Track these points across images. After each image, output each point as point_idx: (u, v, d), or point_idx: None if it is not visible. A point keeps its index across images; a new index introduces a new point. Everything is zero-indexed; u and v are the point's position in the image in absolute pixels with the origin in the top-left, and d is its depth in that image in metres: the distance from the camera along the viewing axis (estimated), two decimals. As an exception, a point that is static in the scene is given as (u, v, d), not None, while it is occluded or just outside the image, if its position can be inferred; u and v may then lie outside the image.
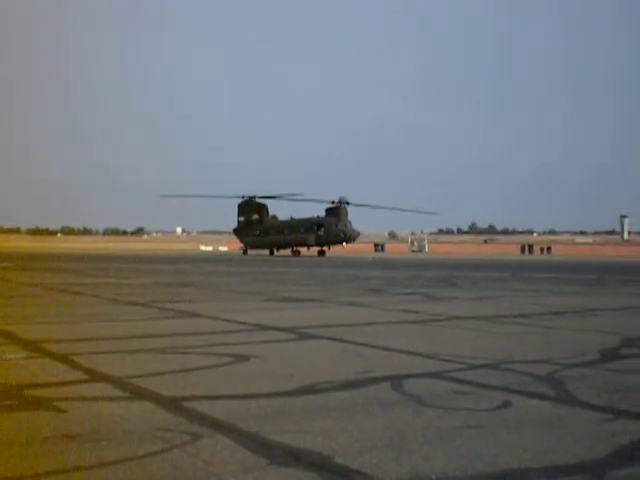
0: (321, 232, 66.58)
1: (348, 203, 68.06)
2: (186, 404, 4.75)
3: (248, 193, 73.99)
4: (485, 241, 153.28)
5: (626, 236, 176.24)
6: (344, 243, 67.03)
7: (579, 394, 5.18)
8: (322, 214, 68.71)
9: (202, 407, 4.65)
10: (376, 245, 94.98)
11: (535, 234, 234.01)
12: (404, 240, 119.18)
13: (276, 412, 4.55)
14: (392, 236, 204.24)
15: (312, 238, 66.88)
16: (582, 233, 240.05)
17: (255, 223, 72.61)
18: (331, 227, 66.07)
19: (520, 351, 7.26)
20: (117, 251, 73.62)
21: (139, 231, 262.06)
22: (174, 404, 4.75)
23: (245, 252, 72.53)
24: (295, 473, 3.43)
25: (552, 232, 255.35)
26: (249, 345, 7.51)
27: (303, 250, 68.49)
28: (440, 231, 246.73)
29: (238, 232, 75.38)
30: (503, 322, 10.02)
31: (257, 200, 73.93)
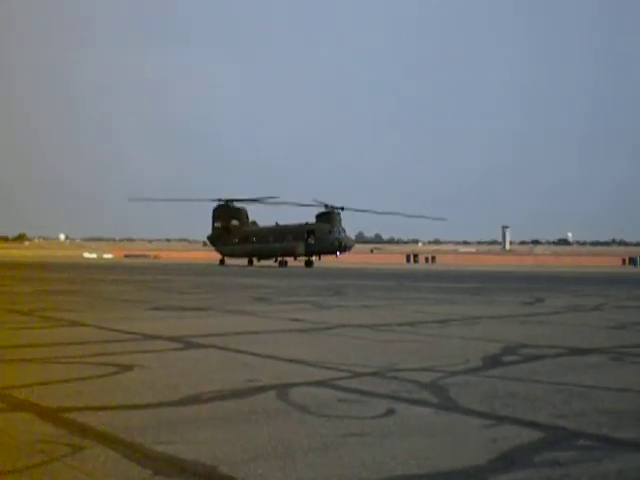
0: (312, 240, 60.50)
1: (342, 209, 62.40)
2: (67, 415, 4.63)
3: (224, 197, 68.12)
4: (372, 250, 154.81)
5: (507, 246, 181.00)
6: (338, 253, 61.22)
7: (462, 401, 5.26)
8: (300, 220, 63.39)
9: (84, 418, 4.54)
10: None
11: (420, 244, 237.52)
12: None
13: (160, 422, 4.48)
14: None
15: (301, 247, 60.78)
16: (465, 243, 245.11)
17: (233, 230, 66.33)
18: (324, 235, 60.17)
19: (405, 359, 7.34)
20: (-3, 258, 71.60)
21: (20, 237, 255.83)
22: (55, 415, 4.63)
23: (222, 262, 65.88)
24: (179, 484, 3.39)
25: (437, 242, 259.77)
26: (133, 354, 7.39)
27: (289, 260, 62.15)
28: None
29: (213, 240, 68.78)
30: (388, 330, 10.13)
31: (235, 204, 67.91)
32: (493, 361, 7.29)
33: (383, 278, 34.65)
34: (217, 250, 68.63)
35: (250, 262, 64.85)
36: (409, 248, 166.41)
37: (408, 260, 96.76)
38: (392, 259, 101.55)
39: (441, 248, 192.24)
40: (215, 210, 68.65)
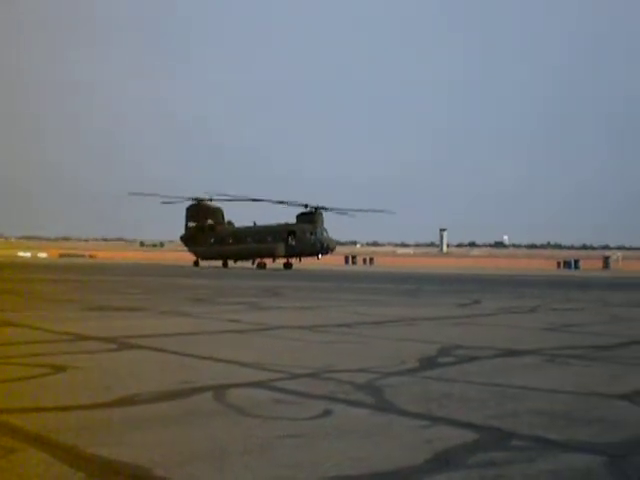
0: (293, 241, 57.73)
1: (325, 208, 59.43)
2: (-1, 417, 4.55)
3: (199, 195, 64.42)
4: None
5: (445, 248, 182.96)
6: (319, 255, 58.32)
7: (398, 402, 5.29)
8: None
9: (16, 420, 4.46)
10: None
11: (359, 245, 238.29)
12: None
13: (94, 424, 4.42)
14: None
15: (281, 248, 57.81)
16: (403, 245, 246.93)
17: (209, 230, 63.10)
18: (305, 235, 57.51)
19: (342, 360, 7.35)
20: None
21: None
22: (-15, 417, 4.55)
23: (197, 264, 62.41)
24: (113, 486, 3.35)
25: (375, 243, 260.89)
26: (67, 355, 7.28)
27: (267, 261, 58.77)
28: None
29: (187, 240, 65.16)
30: (326, 331, 10.14)
31: (210, 203, 64.48)
32: (429, 362, 7.34)
33: (321, 279, 34.74)
34: (191, 251, 65.47)
35: (225, 264, 61.80)
36: (347, 249, 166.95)
37: (347, 262, 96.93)
38: (330, 260, 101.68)
39: (379, 250, 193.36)
40: (189, 209, 65.41)
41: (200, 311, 13.36)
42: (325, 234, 58.52)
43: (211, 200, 64.51)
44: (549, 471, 3.68)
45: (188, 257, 67.61)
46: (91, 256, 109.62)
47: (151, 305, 14.65)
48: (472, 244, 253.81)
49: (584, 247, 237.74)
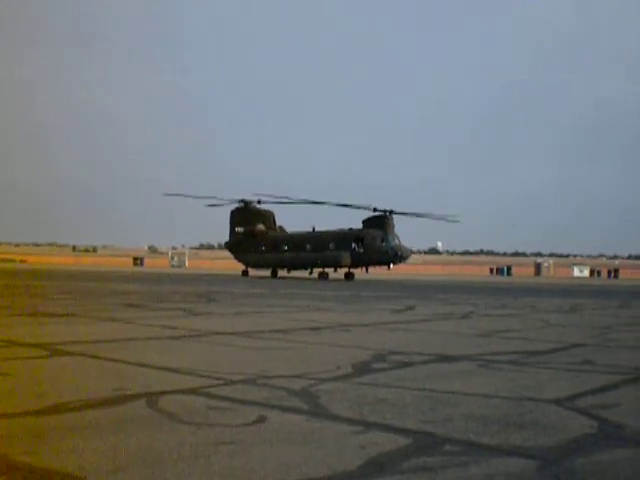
0: (360, 249, 50.56)
1: (392, 212, 51.78)
2: None
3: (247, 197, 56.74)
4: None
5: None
6: (391, 264, 50.99)
7: (332, 407, 5.30)
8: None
9: (-56, 428, 4.38)
10: (135, 259, 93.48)
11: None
12: (164, 254, 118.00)
13: (26, 432, 4.35)
14: (152, 250, 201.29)
15: (347, 257, 50.54)
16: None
17: (260, 236, 55.69)
18: (375, 242, 50.18)
19: (276, 366, 7.35)
20: None
21: None
22: None
23: (245, 273, 55.86)
24: (44, 495, 3.30)
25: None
26: (-2, 362, 7.16)
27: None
28: (202, 246, 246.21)
29: (234, 247, 58.01)
30: (260, 337, 10.12)
31: (260, 206, 56.99)
32: (363, 368, 7.37)
33: (255, 285, 34.67)
34: (238, 259, 58.57)
35: (274, 273, 55.38)
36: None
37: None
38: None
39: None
40: (234, 213, 58.26)
41: (134, 316, 13.22)
42: (397, 241, 51.48)
43: (259, 202, 57.43)
44: (483, 475, 3.72)
45: (123, 262, 65.84)
46: (22, 261, 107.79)
47: (84, 311, 14.46)
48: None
49: (516, 254, 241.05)
